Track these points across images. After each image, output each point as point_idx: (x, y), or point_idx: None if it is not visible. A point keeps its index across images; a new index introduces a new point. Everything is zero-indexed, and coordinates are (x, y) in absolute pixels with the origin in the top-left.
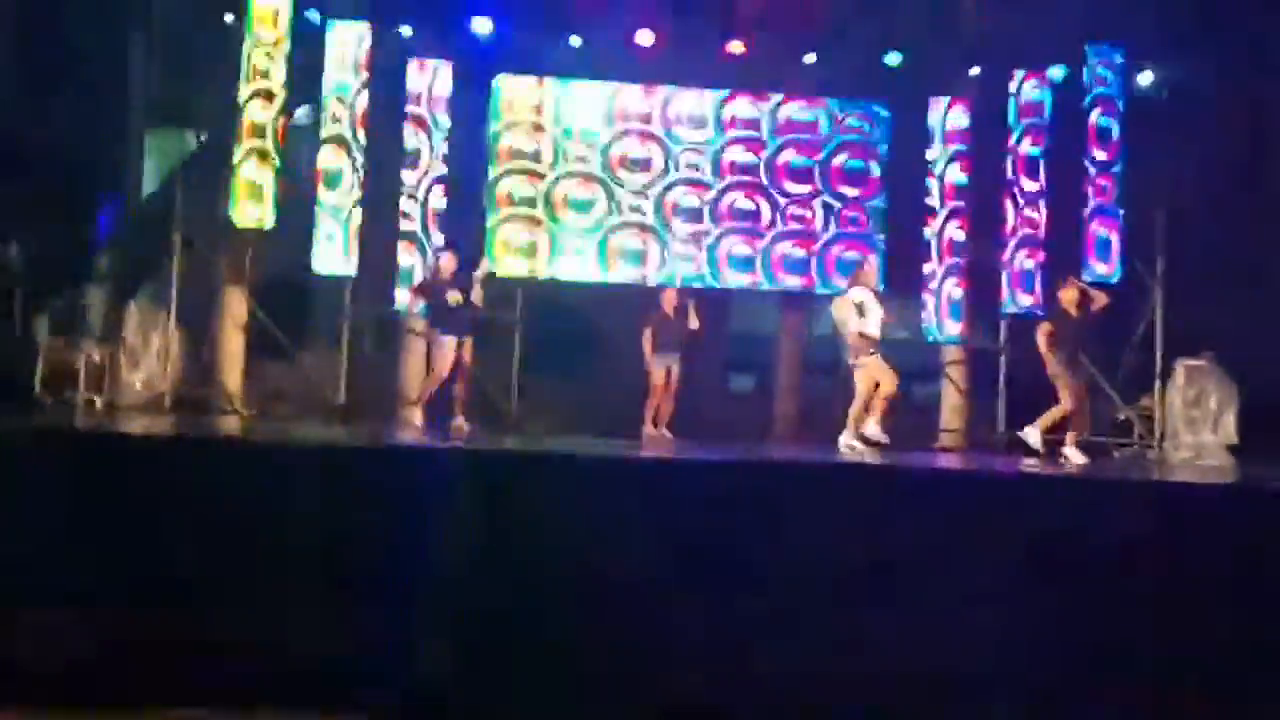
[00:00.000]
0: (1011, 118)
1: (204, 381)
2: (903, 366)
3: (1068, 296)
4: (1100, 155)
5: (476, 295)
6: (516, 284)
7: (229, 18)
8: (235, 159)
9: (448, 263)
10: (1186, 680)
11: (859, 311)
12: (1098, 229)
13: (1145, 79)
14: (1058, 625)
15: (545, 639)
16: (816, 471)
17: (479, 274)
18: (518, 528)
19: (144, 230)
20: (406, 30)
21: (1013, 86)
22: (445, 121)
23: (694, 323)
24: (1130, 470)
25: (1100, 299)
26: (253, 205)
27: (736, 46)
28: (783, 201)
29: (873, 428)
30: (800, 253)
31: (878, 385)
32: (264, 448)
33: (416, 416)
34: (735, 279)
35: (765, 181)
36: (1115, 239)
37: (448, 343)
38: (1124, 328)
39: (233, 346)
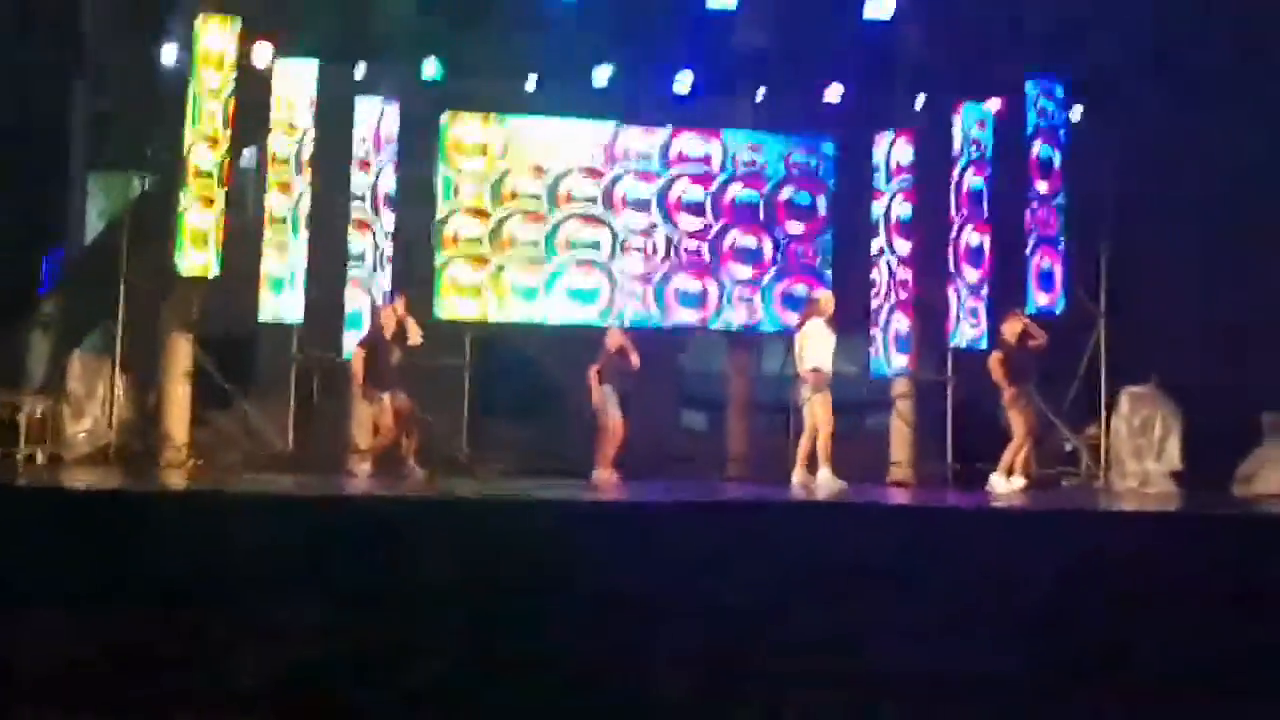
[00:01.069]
0: (956, 150)
1: (150, 432)
2: (852, 400)
3: (1010, 329)
4: (1042, 187)
5: (414, 340)
6: (465, 327)
7: (172, 60)
8: (181, 204)
9: (388, 318)
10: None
11: (815, 345)
12: (1041, 260)
13: (1080, 111)
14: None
15: (501, 688)
16: (769, 510)
17: (411, 340)
18: (459, 575)
19: (88, 277)
20: (354, 70)
21: (955, 119)
22: (393, 162)
23: (634, 360)
24: (1069, 500)
25: (1040, 337)
26: (199, 251)
27: (684, 84)
28: (729, 237)
29: (826, 474)
30: (746, 290)
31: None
32: (209, 499)
33: (366, 468)
34: (684, 316)
35: (712, 218)
36: (1058, 270)
37: (385, 399)
38: (1069, 358)
39: (179, 395)
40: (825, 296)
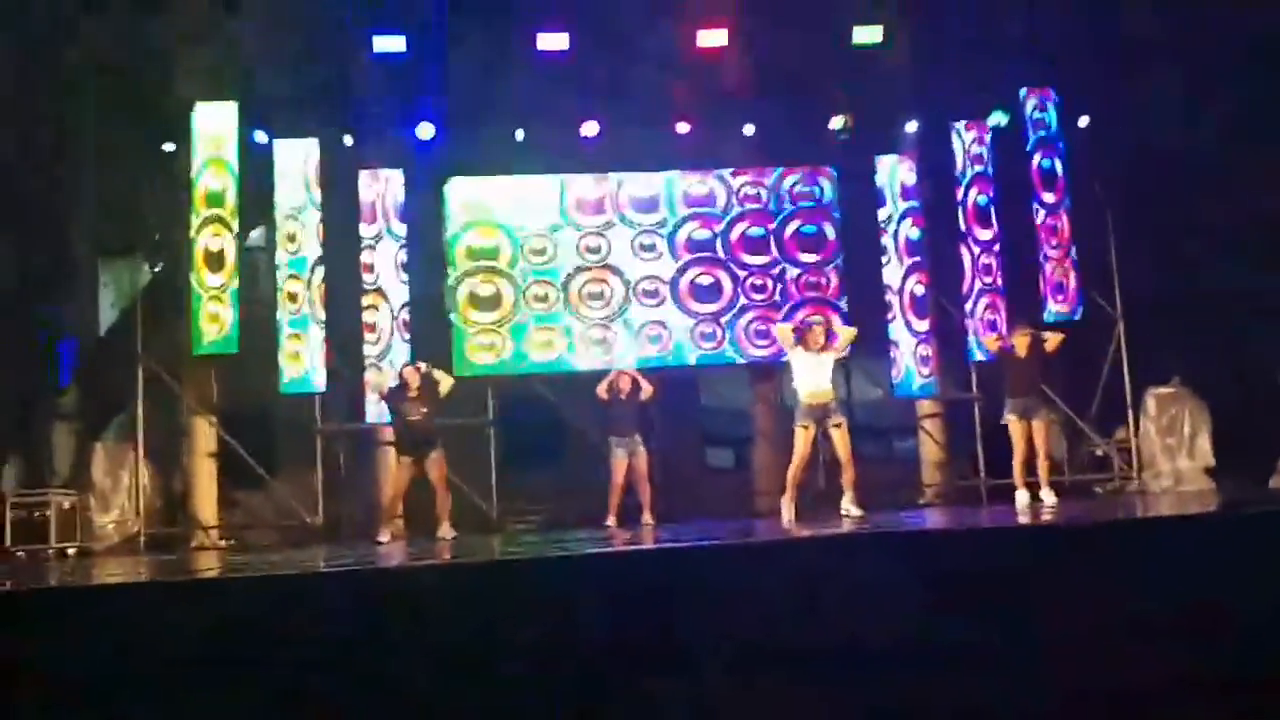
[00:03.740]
0: (958, 169)
1: (177, 516)
2: (878, 423)
3: (1020, 342)
4: (1048, 197)
5: (445, 388)
6: (486, 383)
7: (169, 146)
8: (192, 286)
9: (411, 377)
10: None
11: (796, 375)
12: (1053, 269)
13: (1083, 120)
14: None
15: None
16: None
17: (442, 390)
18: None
19: (105, 365)
20: (347, 139)
21: (955, 138)
22: (401, 229)
23: (646, 391)
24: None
25: (1054, 339)
26: (214, 331)
27: (682, 126)
28: (742, 274)
29: (788, 509)
30: (762, 323)
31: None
32: (242, 583)
33: (384, 534)
34: (701, 354)
35: (723, 255)
36: (1071, 277)
37: (405, 462)
38: (1091, 364)
39: (204, 476)
40: (815, 327)
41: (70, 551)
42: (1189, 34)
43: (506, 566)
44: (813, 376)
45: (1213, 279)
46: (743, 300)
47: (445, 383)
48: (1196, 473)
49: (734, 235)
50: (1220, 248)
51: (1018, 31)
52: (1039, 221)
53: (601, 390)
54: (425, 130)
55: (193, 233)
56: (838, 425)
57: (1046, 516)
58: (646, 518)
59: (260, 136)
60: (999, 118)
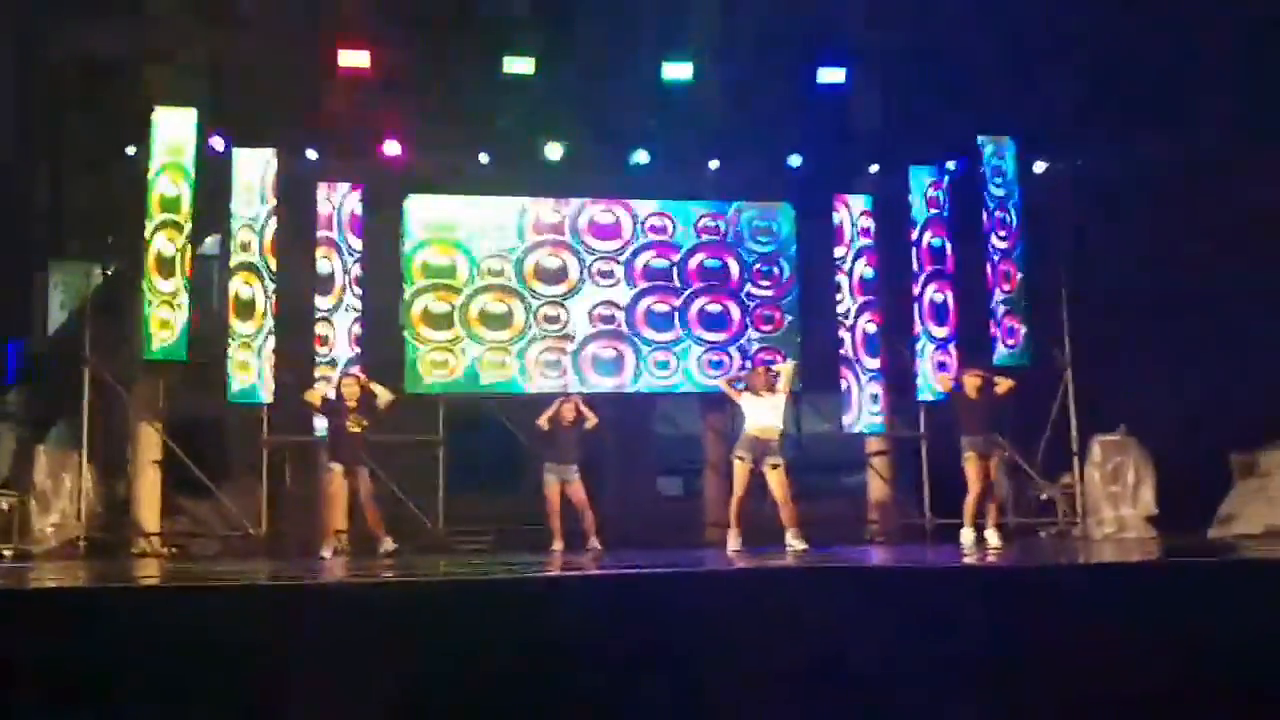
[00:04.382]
0: (914, 211)
1: (120, 522)
2: (827, 459)
3: (970, 383)
4: (1001, 243)
5: (384, 402)
6: (437, 400)
7: (130, 149)
8: (144, 291)
9: (348, 388)
10: None
11: (746, 414)
12: (1004, 314)
13: (1039, 167)
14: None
15: None
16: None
17: (380, 403)
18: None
19: (52, 368)
20: (310, 154)
21: (912, 180)
22: (356, 243)
23: (590, 421)
24: (1047, 553)
25: (1004, 383)
26: (164, 337)
27: (642, 156)
28: (697, 303)
29: (733, 539)
30: (717, 354)
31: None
32: (180, 592)
33: (327, 549)
34: (655, 383)
35: (679, 284)
36: (1022, 323)
37: (336, 470)
38: (1039, 409)
39: (149, 484)
40: (758, 370)
41: (7, 553)
42: (1145, 84)
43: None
44: (763, 417)
45: (1161, 330)
46: (697, 329)
47: (383, 396)
48: (1139, 521)
49: (691, 265)
50: (1170, 296)
51: (978, 79)
52: (992, 266)
53: (542, 421)
54: (390, 147)
55: (146, 237)
56: (775, 466)
57: (992, 559)
58: (592, 543)
59: (219, 144)
60: (955, 163)
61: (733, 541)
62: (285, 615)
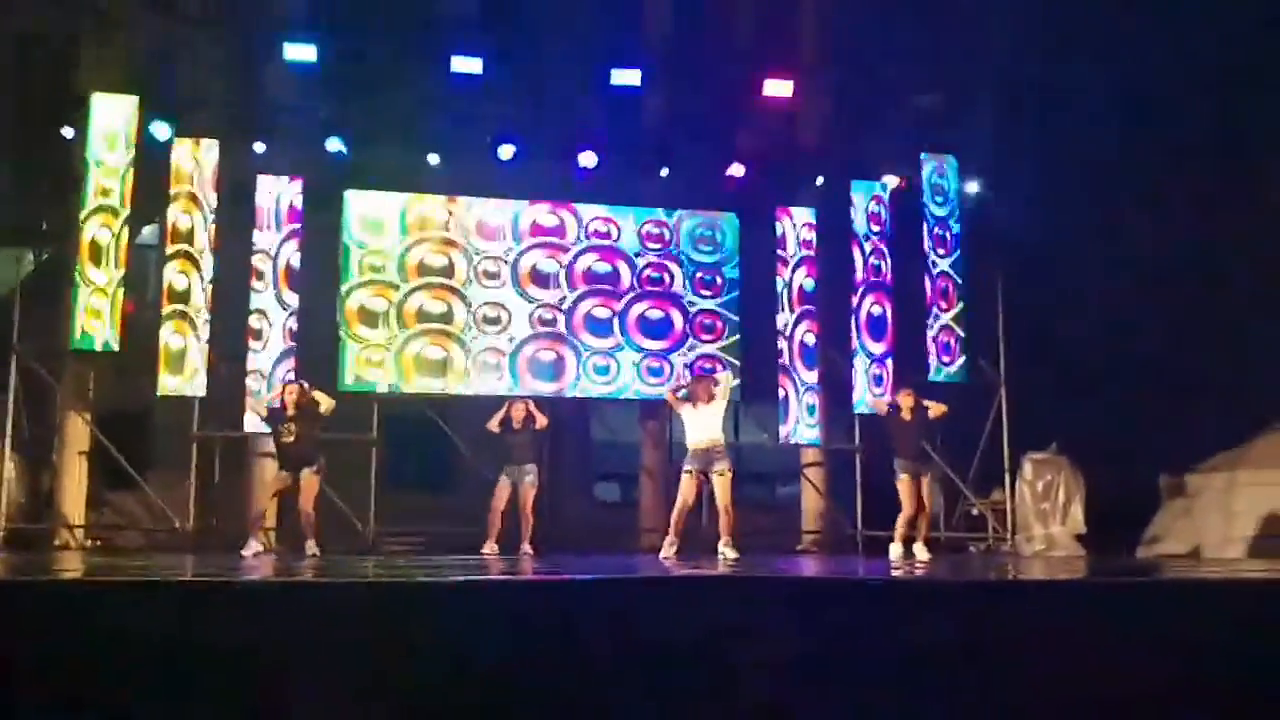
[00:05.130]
0: (856, 224)
1: (44, 514)
2: (763, 469)
3: (904, 402)
4: (940, 260)
5: (325, 408)
6: (371, 399)
7: (68, 132)
8: (75, 278)
9: (289, 396)
10: None
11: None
12: (941, 330)
13: (974, 186)
14: None
15: None
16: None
17: (323, 409)
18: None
19: None
20: (258, 147)
21: (854, 195)
22: (295, 237)
23: (541, 422)
24: (977, 568)
25: (936, 409)
26: (95, 327)
27: (589, 159)
28: (637, 309)
29: (668, 546)
30: (656, 361)
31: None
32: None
33: (251, 546)
34: (594, 388)
35: (619, 290)
36: (958, 339)
37: (281, 475)
38: (972, 425)
39: (75, 475)
40: (700, 379)
41: None
42: (1085, 103)
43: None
44: (703, 427)
45: (1096, 349)
46: (636, 335)
47: (325, 403)
48: (1068, 538)
49: (639, 271)
50: (1104, 319)
51: (921, 97)
52: (930, 282)
53: (492, 425)
54: (333, 143)
55: (80, 224)
56: (721, 473)
57: (918, 571)
58: (525, 548)
59: (160, 132)
60: (894, 179)
61: (667, 549)
62: (202, 612)
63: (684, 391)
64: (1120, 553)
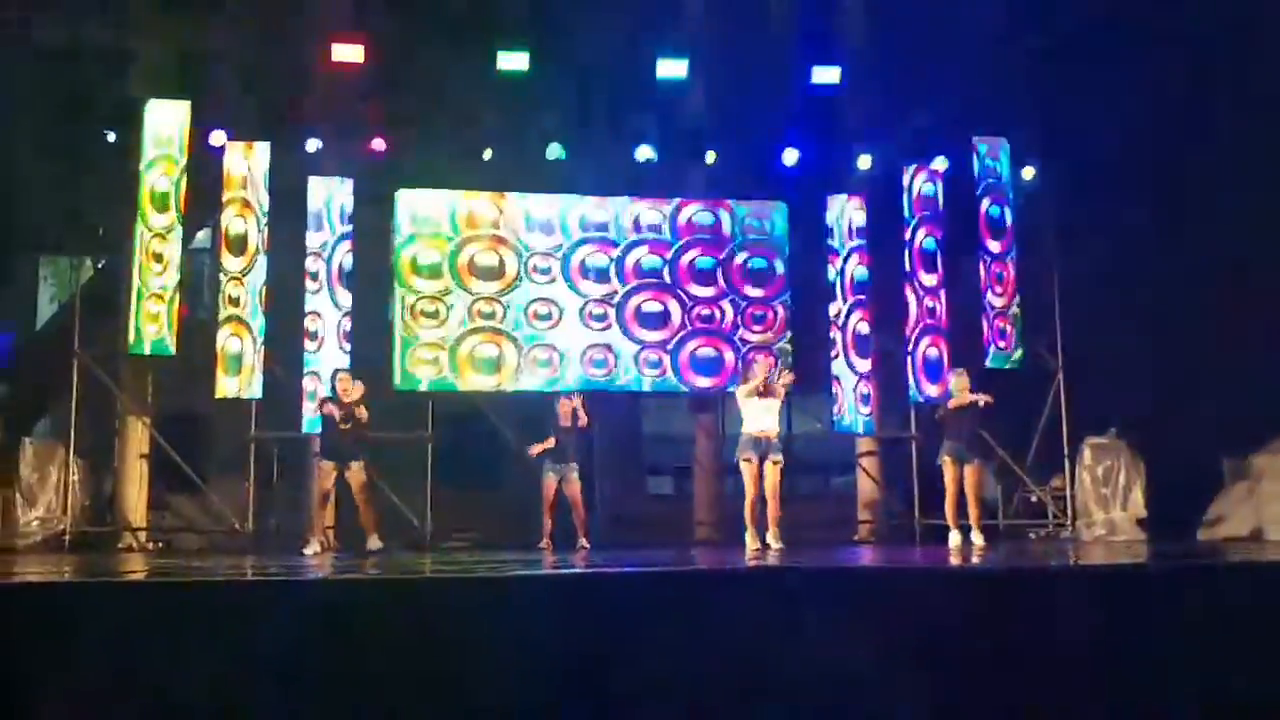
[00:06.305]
0: (906, 211)
1: (106, 517)
2: (817, 459)
3: (957, 384)
4: (994, 244)
5: (362, 417)
6: (426, 397)
7: (121, 138)
8: (134, 285)
9: (343, 386)
10: None
11: (744, 412)
12: (996, 316)
13: (1029, 173)
14: None
15: None
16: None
17: (362, 417)
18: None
19: (40, 360)
20: (308, 147)
21: (905, 180)
22: (348, 238)
23: (583, 420)
24: (1040, 555)
25: (982, 398)
26: (152, 331)
27: (645, 153)
28: (689, 303)
29: (752, 539)
30: (710, 352)
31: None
32: (165, 587)
33: (311, 546)
34: (645, 381)
35: (671, 283)
36: (1014, 324)
37: (324, 467)
38: (1030, 411)
39: (136, 478)
40: (757, 363)
41: None
42: (1139, 87)
43: (437, 584)
44: (763, 417)
45: (1153, 332)
46: (688, 329)
47: (362, 415)
48: (1129, 523)
49: (683, 263)
50: (1162, 302)
51: (973, 79)
52: (984, 268)
53: (564, 419)
54: (379, 143)
55: (137, 231)
56: (775, 462)
57: (975, 560)
58: (582, 541)
59: (216, 138)
60: (948, 164)
61: (752, 542)
62: (269, 611)
63: (755, 384)
64: (1181, 536)
